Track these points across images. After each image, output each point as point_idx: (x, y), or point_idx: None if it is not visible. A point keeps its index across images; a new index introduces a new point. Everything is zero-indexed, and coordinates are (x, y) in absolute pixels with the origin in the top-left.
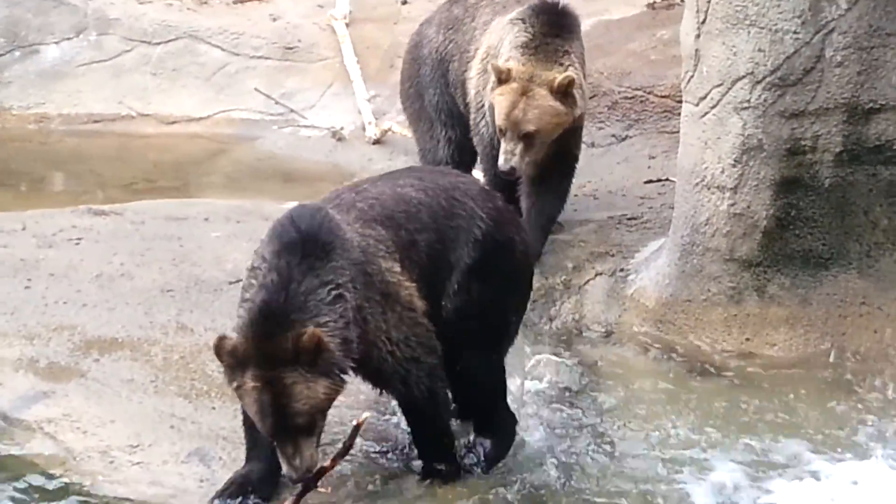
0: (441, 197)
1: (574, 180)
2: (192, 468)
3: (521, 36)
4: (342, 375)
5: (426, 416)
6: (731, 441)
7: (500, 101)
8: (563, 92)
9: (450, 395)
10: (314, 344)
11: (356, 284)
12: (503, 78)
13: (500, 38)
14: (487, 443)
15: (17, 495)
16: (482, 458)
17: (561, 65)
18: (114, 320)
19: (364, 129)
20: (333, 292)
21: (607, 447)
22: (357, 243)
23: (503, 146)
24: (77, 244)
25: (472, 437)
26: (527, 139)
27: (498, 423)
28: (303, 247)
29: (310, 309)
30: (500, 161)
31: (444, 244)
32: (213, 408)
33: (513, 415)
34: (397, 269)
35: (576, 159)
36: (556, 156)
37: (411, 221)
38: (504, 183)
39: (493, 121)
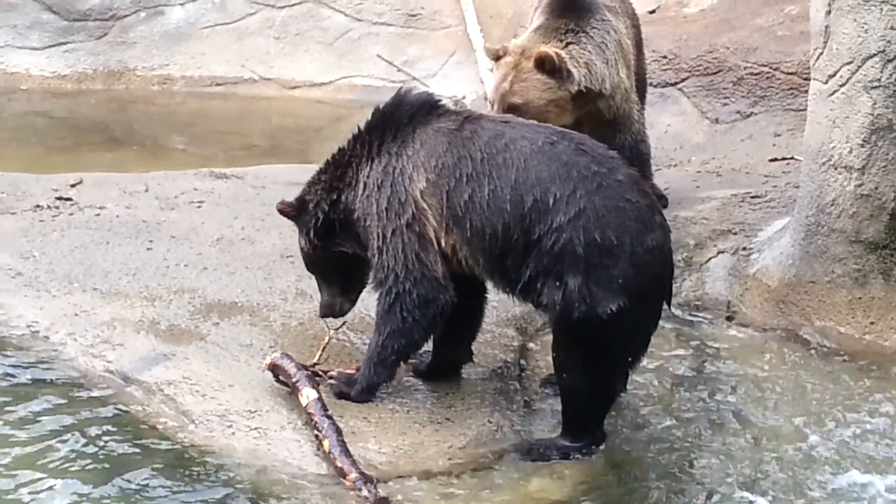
0: (552, 165)
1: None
2: (308, 435)
3: (536, 20)
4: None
5: (376, 326)
6: (852, 427)
7: (494, 76)
8: (542, 66)
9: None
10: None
11: (374, 167)
12: (500, 55)
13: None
14: (552, 439)
15: (136, 456)
16: (531, 448)
17: (560, 41)
18: (233, 284)
19: (486, 98)
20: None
21: (721, 429)
22: (412, 142)
23: None
24: (198, 207)
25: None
26: (513, 112)
27: (569, 430)
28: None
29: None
30: None
31: (521, 208)
32: (333, 375)
33: (592, 434)
34: (422, 185)
35: (630, 150)
36: None
37: (486, 164)
38: None
39: None
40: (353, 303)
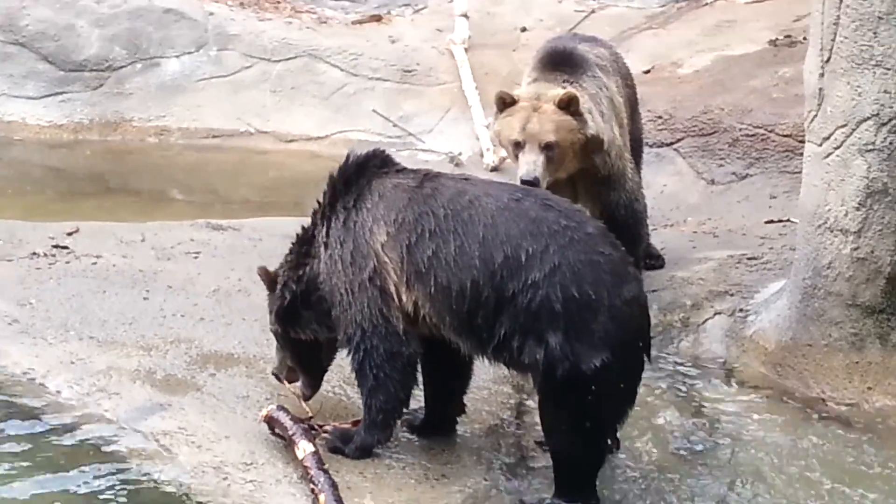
0: (520, 221)
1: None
2: (304, 489)
3: (529, 76)
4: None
5: (359, 386)
6: (847, 494)
7: (509, 121)
8: (568, 107)
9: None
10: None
11: (333, 225)
12: (507, 101)
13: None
14: (546, 500)
15: None
16: None
17: (563, 88)
18: (230, 335)
19: (482, 155)
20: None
21: (716, 491)
22: (369, 194)
23: (523, 157)
24: (195, 258)
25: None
26: (548, 150)
27: (562, 491)
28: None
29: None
30: (522, 171)
31: (491, 265)
32: (328, 430)
33: (585, 494)
34: (383, 238)
35: (623, 209)
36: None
37: (450, 221)
38: None
39: (500, 148)
40: (313, 387)
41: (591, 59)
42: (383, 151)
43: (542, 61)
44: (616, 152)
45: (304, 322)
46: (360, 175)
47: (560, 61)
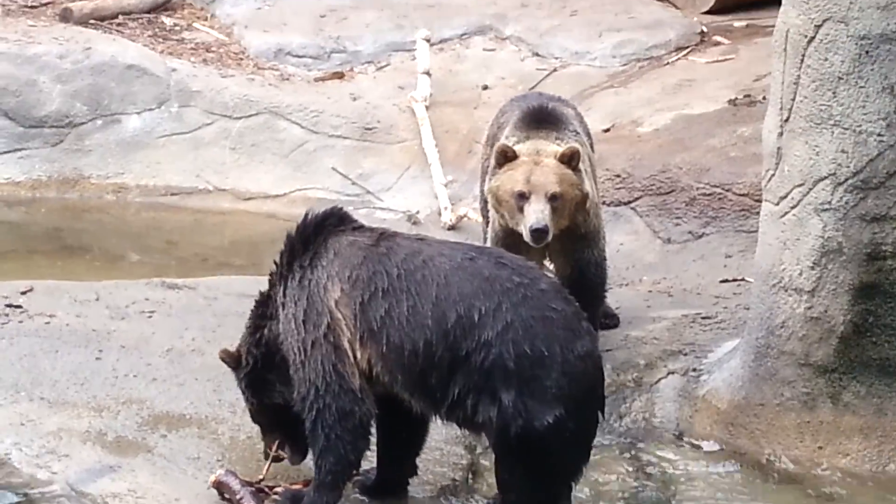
0: (474, 280)
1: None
2: None
3: (513, 136)
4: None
5: (310, 446)
6: None
7: (511, 174)
8: (570, 162)
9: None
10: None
11: (289, 284)
12: (509, 156)
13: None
14: None
15: None
16: None
17: (558, 141)
18: (182, 396)
19: (440, 213)
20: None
21: None
22: (325, 252)
23: (530, 207)
24: (149, 317)
25: None
26: (553, 201)
27: None
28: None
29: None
30: (532, 220)
31: (444, 324)
32: (278, 492)
33: None
34: (337, 294)
35: (595, 267)
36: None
37: (403, 280)
38: None
39: (497, 203)
40: (303, 451)
41: (569, 117)
42: (341, 209)
43: (523, 119)
44: (594, 210)
45: (270, 386)
46: (317, 234)
47: (543, 119)
